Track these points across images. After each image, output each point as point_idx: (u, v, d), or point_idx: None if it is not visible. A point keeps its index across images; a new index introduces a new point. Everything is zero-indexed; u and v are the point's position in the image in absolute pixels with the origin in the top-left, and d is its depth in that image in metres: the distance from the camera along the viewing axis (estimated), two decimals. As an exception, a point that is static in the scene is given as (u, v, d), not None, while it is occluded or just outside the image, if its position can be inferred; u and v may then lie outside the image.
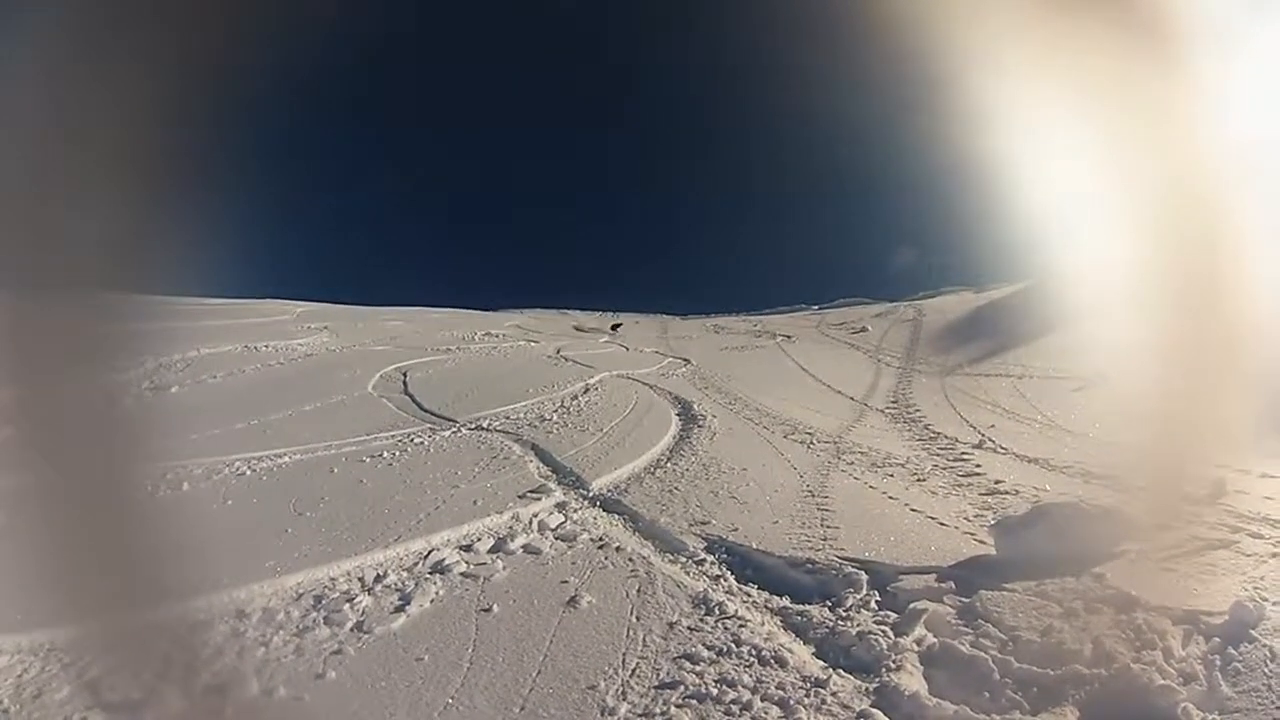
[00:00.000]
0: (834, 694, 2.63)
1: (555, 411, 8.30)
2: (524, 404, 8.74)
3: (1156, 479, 4.35)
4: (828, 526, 4.43)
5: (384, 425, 7.52)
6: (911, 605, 3.26)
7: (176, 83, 3.22)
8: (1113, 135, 4.48)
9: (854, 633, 3.05)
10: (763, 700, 2.58)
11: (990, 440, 7.27)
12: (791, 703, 2.56)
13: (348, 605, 3.32)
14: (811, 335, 20.79)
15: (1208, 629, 2.85)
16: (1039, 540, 3.67)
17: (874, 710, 2.52)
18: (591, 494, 5.20)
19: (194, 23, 3.41)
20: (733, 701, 2.57)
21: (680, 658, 2.87)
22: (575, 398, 9.24)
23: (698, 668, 2.79)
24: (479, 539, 4.21)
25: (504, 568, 3.82)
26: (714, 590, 3.53)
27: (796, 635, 3.13)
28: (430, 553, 4.00)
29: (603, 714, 2.52)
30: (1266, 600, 2.98)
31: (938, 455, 6.66)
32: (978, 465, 6.14)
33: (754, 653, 2.90)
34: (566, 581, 3.64)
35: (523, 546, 4.11)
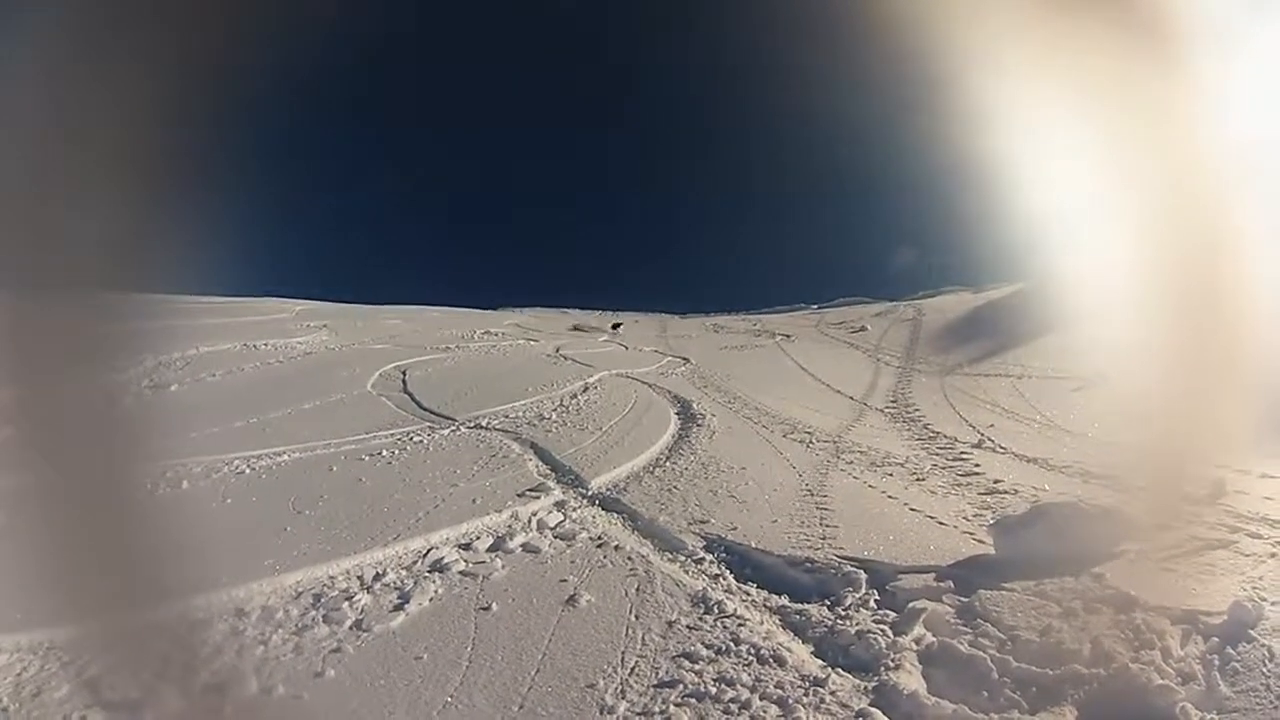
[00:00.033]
0: (833, 693, 2.63)
1: (554, 410, 8.30)
2: (523, 402, 8.74)
3: (1156, 479, 4.35)
4: (827, 525, 4.43)
5: (383, 423, 7.52)
6: (910, 604, 3.27)
7: (176, 83, 3.22)
8: (1113, 135, 4.48)
9: (853, 632, 3.06)
10: (761, 699, 2.59)
11: (989, 440, 7.28)
12: (790, 701, 2.56)
13: (347, 604, 3.33)
14: (811, 334, 20.79)
15: (1206, 629, 2.85)
16: (1038, 540, 3.67)
17: (872, 709, 2.52)
18: (590, 492, 5.20)
19: (194, 23, 3.41)
20: (731, 700, 2.58)
21: (679, 656, 2.88)
22: (574, 396, 9.24)
23: (696, 666, 2.80)
24: (478, 537, 4.21)
25: (503, 566, 3.83)
26: (713, 589, 3.53)
27: (795, 634, 3.14)
28: (429, 551, 4.01)
29: (602, 712, 2.52)
30: (1265, 600, 2.99)
31: (937, 455, 6.66)
32: (977, 465, 6.14)
33: (753, 651, 2.90)
34: (565, 580, 3.65)
35: (522, 545, 4.11)
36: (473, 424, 7.57)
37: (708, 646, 2.95)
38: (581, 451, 6.32)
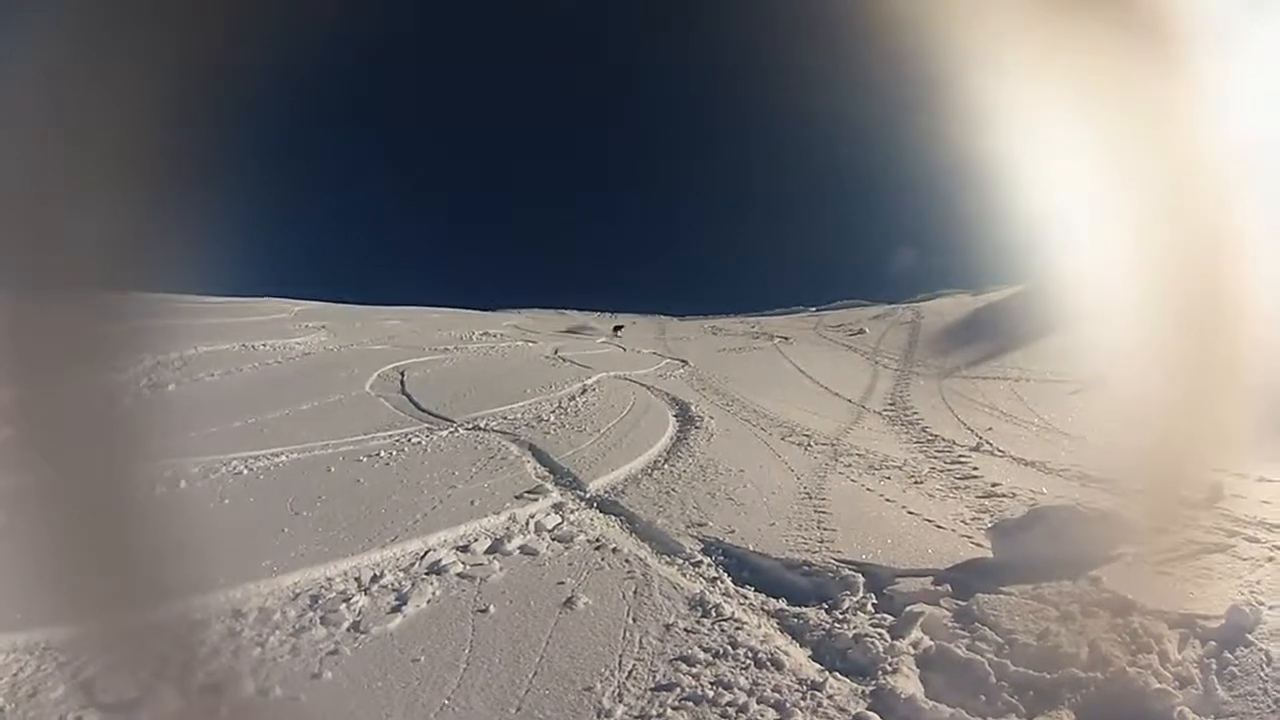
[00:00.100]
0: (830, 697, 2.63)
1: (553, 412, 8.30)
2: (521, 404, 8.74)
3: (1154, 482, 4.35)
4: (825, 529, 4.43)
5: (381, 425, 7.52)
6: (908, 608, 3.27)
7: (176, 83, 3.22)
8: (1113, 135, 4.49)
9: (850, 635, 3.05)
10: (759, 703, 2.58)
11: (988, 443, 7.28)
12: (787, 705, 2.56)
13: (344, 605, 3.32)
14: (809, 337, 20.82)
15: (1204, 633, 2.85)
16: (1036, 543, 3.68)
17: (870, 713, 2.52)
18: (588, 495, 5.20)
19: (194, 23, 3.41)
20: (729, 704, 2.57)
21: (677, 660, 2.87)
22: (573, 398, 9.24)
23: (694, 670, 2.79)
24: (476, 540, 4.21)
25: (501, 569, 3.82)
26: (711, 592, 3.53)
27: (793, 638, 3.14)
28: (427, 553, 4.00)
29: (599, 716, 2.51)
30: (1263, 604, 2.98)
31: (935, 458, 6.66)
32: (975, 468, 6.14)
33: (750, 655, 2.90)
34: (563, 583, 3.64)
35: (519, 547, 4.11)
36: (471, 425, 7.57)
37: (705, 650, 2.95)
38: (579, 454, 6.32)
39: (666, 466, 6.06)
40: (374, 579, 3.64)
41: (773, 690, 2.66)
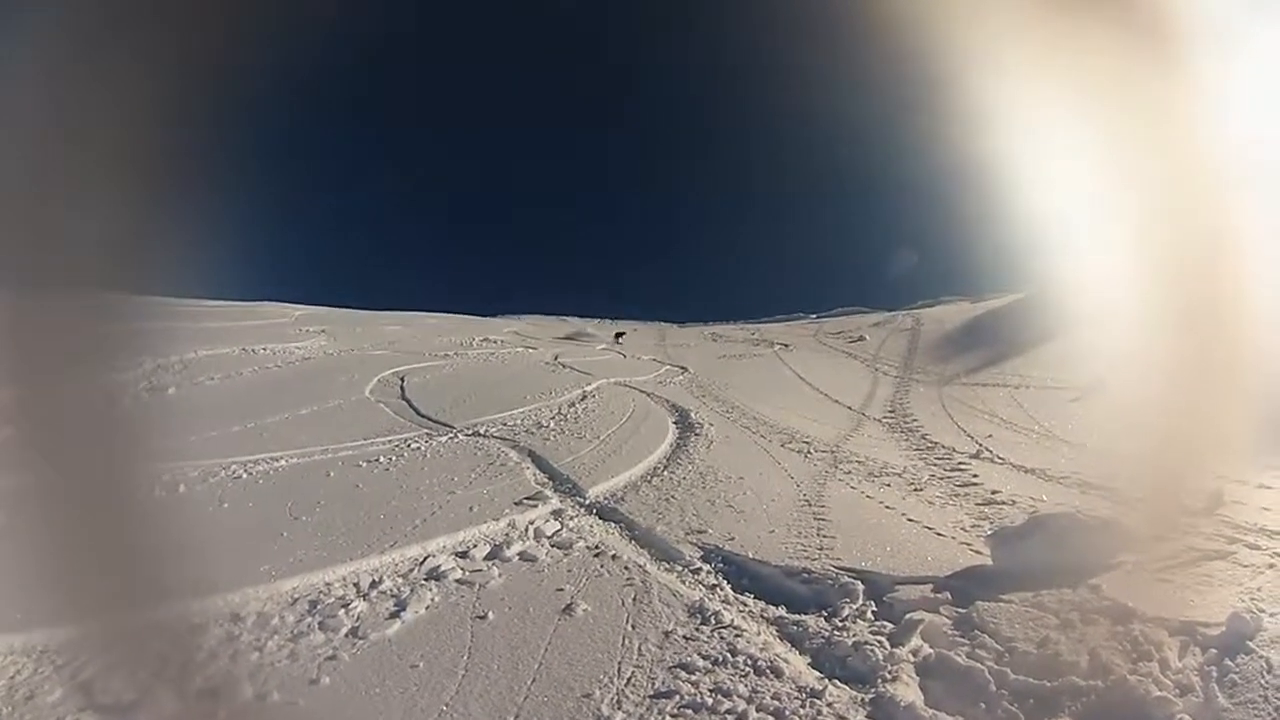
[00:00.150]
0: (829, 705, 2.61)
1: (552, 418, 8.29)
2: (521, 410, 8.73)
3: (1154, 490, 4.34)
4: (824, 536, 4.42)
5: (381, 430, 7.50)
6: (908, 616, 3.25)
7: (176, 83, 3.23)
8: (1113, 136, 4.49)
9: (850, 643, 3.04)
10: (758, 710, 2.57)
11: (987, 450, 7.27)
12: (787, 713, 2.55)
13: (343, 611, 3.31)
14: (809, 344, 20.83)
15: (1204, 640, 2.84)
16: (1036, 551, 3.66)
17: (870, 721, 2.51)
18: (588, 501, 5.19)
19: (194, 23, 3.42)
20: (728, 712, 2.56)
21: (676, 667, 2.86)
22: (572, 405, 9.23)
23: (693, 677, 2.78)
24: (475, 545, 4.19)
25: (500, 575, 3.81)
26: (710, 599, 3.52)
27: (792, 645, 3.12)
28: (426, 559, 3.99)
29: (598, 722, 2.50)
30: (1263, 611, 2.97)
31: (935, 465, 6.66)
32: (975, 475, 6.13)
33: (750, 662, 2.88)
34: (562, 589, 3.63)
35: (519, 554, 4.09)
36: (471, 431, 7.55)
37: (704, 657, 2.93)
38: (579, 460, 6.30)
39: (666, 473, 6.05)
40: (373, 584, 3.62)
41: (772, 698, 2.64)
